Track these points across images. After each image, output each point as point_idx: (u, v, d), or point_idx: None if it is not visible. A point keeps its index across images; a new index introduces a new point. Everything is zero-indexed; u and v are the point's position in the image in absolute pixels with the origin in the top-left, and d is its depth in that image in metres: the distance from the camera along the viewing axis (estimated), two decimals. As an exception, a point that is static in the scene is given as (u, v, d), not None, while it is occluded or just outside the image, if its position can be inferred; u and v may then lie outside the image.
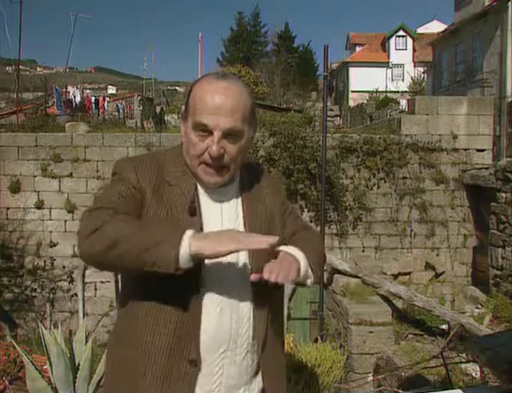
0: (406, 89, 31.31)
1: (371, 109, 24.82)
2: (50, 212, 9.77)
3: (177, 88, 65.65)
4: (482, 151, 10.04)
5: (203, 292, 1.44)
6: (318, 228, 8.13)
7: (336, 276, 8.58)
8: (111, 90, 59.23)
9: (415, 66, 33.47)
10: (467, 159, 9.98)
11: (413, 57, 34.86)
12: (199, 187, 1.53)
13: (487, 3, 17.76)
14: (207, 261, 1.40)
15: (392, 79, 34.77)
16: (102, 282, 9.61)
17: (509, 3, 15.85)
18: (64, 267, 9.70)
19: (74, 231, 9.61)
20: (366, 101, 28.09)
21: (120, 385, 1.50)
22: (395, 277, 9.24)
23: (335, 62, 39.11)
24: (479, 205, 9.73)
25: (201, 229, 1.45)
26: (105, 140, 9.81)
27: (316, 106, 19.01)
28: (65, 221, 9.76)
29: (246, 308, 1.49)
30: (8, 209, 9.75)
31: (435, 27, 33.34)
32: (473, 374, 5.57)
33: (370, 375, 7.04)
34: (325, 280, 8.12)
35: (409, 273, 9.43)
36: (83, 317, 8.26)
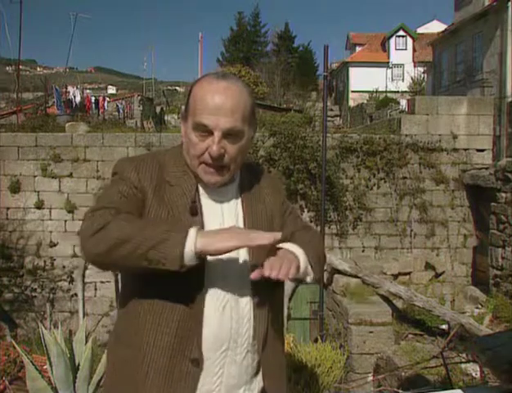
0: (406, 89, 31.31)
1: (371, 109, 24.82)
2: (50, 212, 9.77)
3: (177, 88, 65.65)
4: (482, 151, 10.04)
5: (205, 290, 1.44)
6: (318, 228, 8.12)
7: (336, 276, 8.58)
8: (111, 90, 59.24)
9: (415, 66, 33.46)
10: (467, 159, 9.98)
11: (413, 57, 34.85)
12: (199, 187, 1.53)
13: (487, 3, 17.76)
14: (209, 258, 1.40)
15: (392, 79, 34.77)
16: (102, 282, 9.61)
17: (509, 3, 15.85)
18: (64, 267, 9.70)
19: (74, 231, 9.62)
20: (366, 101, 28.09)
21: (120, 385, 1.50)
22: (395, 277, 9.24)
23: (335, 62, 39.10)
24: (479, 205, 9.73)
25: (202, 229, 1.45)
26: (105, 140, 9.82)
27: (316, 106, 19.01)
28: (65, 221, 9.76)
29: (247, 307, 1.49)
30: (8, 209, 9.76)
31: (435, 27, 33.33)
32: (473, 374, 5.57)
33: (370, 375, 7.04)
34: (325, 280, 8.12)
35: (409, 273, 9.44)
36: (83, 317, 8.27)
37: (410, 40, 35.54)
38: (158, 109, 21.79)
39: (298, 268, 1.42)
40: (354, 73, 34.84)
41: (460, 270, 9.88)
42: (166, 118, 21.44)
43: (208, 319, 1.44)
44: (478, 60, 18.25)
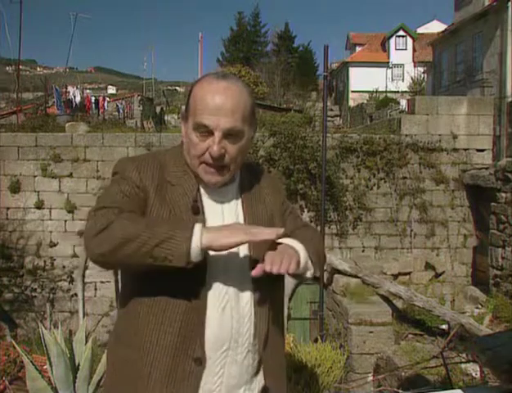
0: (406, 89, 31.31)
1: (371, 109, 24.82)
2: (50, 212, 9.77)
3: (177, 88, 65.68)
4: (482, 151, 10.04)
5: (207, 286, 1.45)
6: (318, 228, 8.13)
7: (336, 276, 8.58)
8: (111, 90, 59.24)
9: (415, 66, 33.47)
10: (467, 159, 9.99)
11: (413, 57, 34.86)
12: (200, 187, 1.54)
13: (487, 3, 17.76)
14: (210, 254, 1.41)
15: (393, 79, 34.78)
16: (102, 282, 9.61)
17: (509, 3, 15.85)
18: (64, 267, 9.71)
19: (74, 231, 9.63)
20: (366, 101, 28.09)
21: (121, 385, 1.50)
22: (395, 277, 9.24)
23: (335, 62, 39.10)
24: (479, 205, 9.73)
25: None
26: (105, 140, 9.82)
27: (316, 106, 19.01)
28: (65, 221, 9.76)
29: (247, 306, 1.49)
30: (8, 209, 9.76)
31: (435, 27, 33.34)
32: (473, 374, 5.58)
33: (370, 375, 7.04)
34: (325, 280, 8.12)
35: (409, 273, 9.44)
36: (83, 317, 8.25)
37: (410, 40, 35.55)
38: (158, 109, 21.81)
39: (298, 262, 1.43)
40: (354, 73, 34.84)
41: (460, 270, 9.88)
42: (166, 118, 21.46)
43: (209, 319, 1.44)
44: (478, 60, 18.26)
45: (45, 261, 9.68)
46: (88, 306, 9.34)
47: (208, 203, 1.53)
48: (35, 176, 9.76)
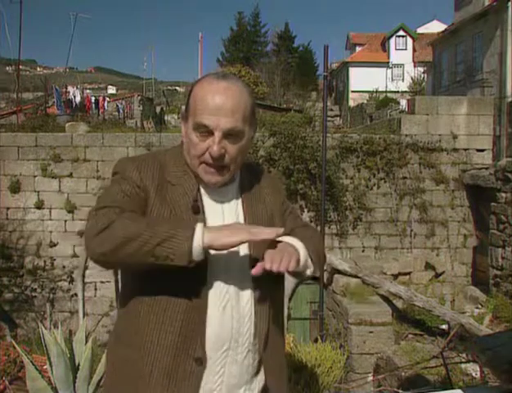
0: (406, 89, 31.31)
1: (371, 109, 24.82)
2: (50, 212, 9.77)
3: (177, 88, 65.68)
4: (482, 151, 10.04)
5: (209, 286, 1.45)
6: (318, 228, 8.13)
7: (336, 276, 8.58)
8: (111, 90, 59.24)
9: (415, 66, 33.47)
10: (467, 159, 9.99)
11: (413, 57, 34.86)
12: (200, 187, 1.54)
13: (487, 3, 17.76)
14: (211, 253, 1.41)
15: (393, 79, 34.77)
16: (102, 282, 9.61)
17: (509, 3, 15.85)
18: (64, 267, 9.71)
19: (74, 231, 9.63)
20: (366, 101, 28.09)
21: (121, 385, 1.50)
22: (395, 277, 9.24)
23: (335, 62, 39.10)
24: (479, 205, 9.73)
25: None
26: (105, 140, 9.82)
27: (316, 106, 19.01)
28: (65, 221, 9.76)
29: (247, 306, 1.50)
30: (8, 209, 9.76)
31: (435, 27, 33.33)
32: (473, 374, 5.58)
33: (370, 375, 7.04)
34: (325, 280, 8.12)
35: (409, 273, 9.44)
36: (83, 317, 8.25)
37: (410, 40, 35.55)
38: (158, 109, 21.81)
39: (298, 260, 1.43)
40: (354, 73, 34.84)
41: (460, 270, 9.88)
42: (166, 118, 21.46)
43: (210, 318, 1.44)
44: (478, 60, 18.26)
45: (45, 261, 9.68)
46: (88, 306, 9.34)
47: (208, 203, 1.53)
48: (35, 176, 9.76)
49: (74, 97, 17.86)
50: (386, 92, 30.90)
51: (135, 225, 1.34)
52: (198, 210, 1.49)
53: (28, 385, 3.25)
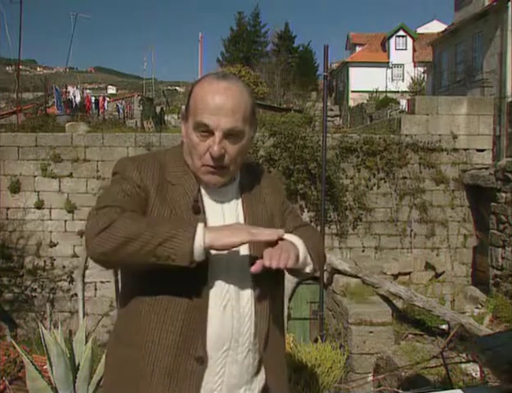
0: (406, 89, 31.31)
1: (371, 109, 24.82)
2: (50, 212, 9.77)
3: (177, 88, 65.68)
4: (482, 151, 10.04)
5: (210, 285, 1.45)
6: (318, 228, 8.13)
7: (336, 276, 8.58)
8: (111, 90, 59.23)
9: (415, 66, 33.47)
10: (467, 159, 9.99)
11: (413, 57, 34.86)
12: (200, 187, 1.54)
13: (487, 3, 17.76)
14: (212, 253, 1.41)
15: (393, 79, 34.77)
16: (102, 282, 9.61)
17: (509, 3, 15.85)
18: (64, 267, 9.71)
19: (74, 231, 9.63)
20: (366, 101, 28.09)
21: (121, 385, 1.50)
22: (395, 277, 9.24)
23: (335, 62, 39.11)
24: (479, 205, 9.73)
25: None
26: (105, 140, 9.82)
27: (316, 106, 19.01)
28: (65, 221, 9.76)
29: (247, 305, 1.50)
30: (8, 209, 9.76)
31: (435, 27, 33.34)
32: (473, 374, 5.58)
33: (370, 375, 7.04)
34: (325, 280, 8.12)
35: (409, 273, 9.44)
36: (83, 317, 8.26)
37: (410, 40, 35.55)
38: (158, 109, 21.80)
39: (297, 257, 1.43)
40: (354, 73, 34.84)
41: (460, 270, 9.88)
42: (166, 118, 21.45)
43: (210, 318, 1.45)
44: (478, 60, 18.25)
45: (45, 261, 9.68)
46: (88, 306, 9.34)
47: (208, 203, 1.53)
48: (35, 176, 9.76)
49: (74, 97, 17.85)
50: (386, 92, 30.90)
51: (136, 225, 1.34)
52: (198, 210, 1.49)
53: (28, 385, 3.25)
